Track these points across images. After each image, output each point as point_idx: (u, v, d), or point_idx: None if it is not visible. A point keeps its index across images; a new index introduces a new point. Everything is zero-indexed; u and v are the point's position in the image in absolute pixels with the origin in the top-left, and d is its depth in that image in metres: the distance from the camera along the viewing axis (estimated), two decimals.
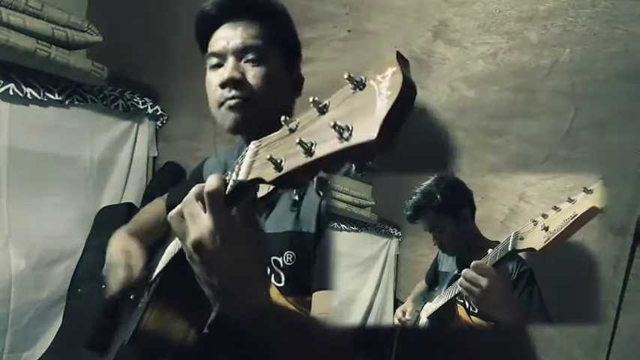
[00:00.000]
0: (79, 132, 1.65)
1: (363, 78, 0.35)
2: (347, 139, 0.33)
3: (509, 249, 0.68)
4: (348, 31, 1.22)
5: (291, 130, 0.40)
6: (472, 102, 0.99)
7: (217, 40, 0.84)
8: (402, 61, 0.34)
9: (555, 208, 0.65)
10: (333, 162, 0.36)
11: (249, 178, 0.43)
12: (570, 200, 0.63)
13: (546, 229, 0.64)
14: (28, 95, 1.46)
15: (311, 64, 1.25)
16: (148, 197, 1.79)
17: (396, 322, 0.91)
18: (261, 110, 0.80)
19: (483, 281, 0.68)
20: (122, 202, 1.78)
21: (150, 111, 1.81)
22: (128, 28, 1.94)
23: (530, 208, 0.77)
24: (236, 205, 0.48)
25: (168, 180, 1.77)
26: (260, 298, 0.53)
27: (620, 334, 0.77)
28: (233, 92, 0.80)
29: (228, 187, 0.47)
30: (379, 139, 0.31)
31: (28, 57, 1.39)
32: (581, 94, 0.84)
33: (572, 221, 0.62)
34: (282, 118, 0.42)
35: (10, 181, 1.47)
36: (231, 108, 0.81)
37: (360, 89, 0.35)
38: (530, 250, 0.66)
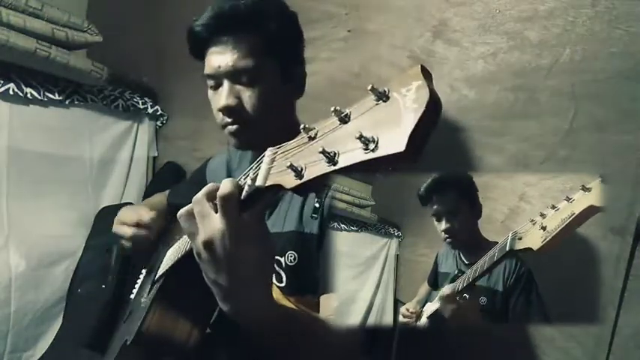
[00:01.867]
0: (79, 132, 1.65)
1: (386, 90, 0.35)
2: (373, 151, 0.33)
3: (507, 249, 0.68)
4: (348, 31, 1.22)
5: (311, 138, 0.41)
6: (472, 102, 0.99)
7: (210, 61, 0.80)
8: (426, 73, 0.34)
9: (553, 207, 0.65)
10: (355, 171, 0.36)
11: (267, 184, 0.44)
12: (568, 199, 0.63)
13: (544, 228, 0.64)
14: (28, 95, 1.46)
15: (311, 64, 1.25)
16: (147, 197, 1.79)
17: (401, 319, 0.91)
18: (262, 130, 0.79)
19: (449, 308, 0.73)
20: (122, 202, 1.77)
21: (150, 111, 1.81)
22: (128, 28, 1.94)
23: (531, 208, 0.77)
24: (250, 210, 0.48)
25: (169, 180, 1.77)
26: (268, 299, 0.53)
27: (620, 334, 0.77)
28: (231, 118, 0.80)
29: (244, 193, 0.47)
30: (407, 152, 0.31)
31: (28, 57, 1.39)
32: (581, 94, 0.84)
33: (570, 220, 0.62)
34: (302, 126, 0.42)
35: (10, 181, 1.47)
36: (231, 134, 0.81)
37: (384, 101, 0.35)
38: (528, 250, 0.66)
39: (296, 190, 0.40)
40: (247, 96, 0.79)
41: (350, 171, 0.36)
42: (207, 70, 0.81)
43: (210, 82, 0.83)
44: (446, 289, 0.76)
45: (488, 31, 0.97)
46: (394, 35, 1.12)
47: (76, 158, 1.65)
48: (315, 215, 0.77)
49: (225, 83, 0.79)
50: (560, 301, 0.73)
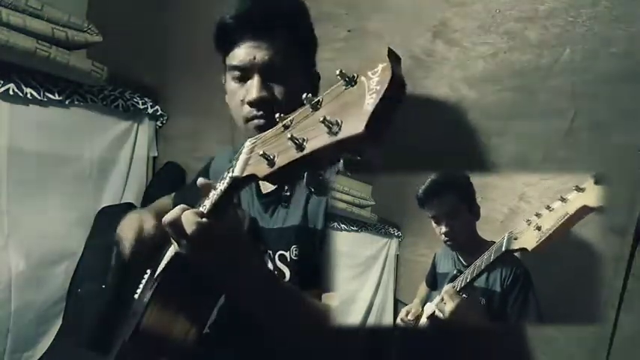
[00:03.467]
0: (79, 132, 1.64)
1: (355, 75, 0.36)
2: (336, 134, 0.34)
3: (503, 249, 0.69)
4: (348, 31, 1.22)
5: (285, 127, 0.41)
6: (472, 102, 0.99)
7: (241, 54, 0.80)
8: (393, 57, 0.34)
9: (548, 208, 0.65)
10: (323, 157, 0.37)
11: (243, 175, 0.44)
12: (563, 199, 0.63)
13: (539, 228, 0.64)
14: (28, 95, 1.46)
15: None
16: (148, 197, 1.79)
17: (399, 322, 0.91)
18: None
19: (448, 308, 0.73)
20: (122, 202, 1.77)
21: (150, 111, 1.81)
22: (128, 28, 1.94)
23: (530, 208, 0.77)
24: (233, 199, 0.52)
25: (169, 180, 1.77)
26: (257, 264, 0.65)
27: (620, 334, 0.77)
28: (261, 112, 0.79)
29: (224, 185, 0.50)
30: (366, 133, 0.32)
31: (28, 57, 1.39)
32: (581, 94, 0.84)
33: (563, 220, 0.62)
34: (277, 115, 0.42)
35: (10, 181, 1.47)
36: (257, 127, 0.80)
37: (352, 85, 0.36)
38: (523, 250, 0.66)
39: (268, 178, 0.41)
40: (278, 91, 0.80)
41: (320, 158, 0.37)
42: (236, 61, 0.80)
43: (236, 74, 0.82)
44: (446, 288, 0.76)
45: (488, 31, 0.96)
46: (394, 35, 1.12)
47: (76, 158, 1.65)
48: (286, 204, 0.83)
49: (257, 77, 0.79)
50: (560, 301, 0.73)
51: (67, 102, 1.57)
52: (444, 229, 0.82)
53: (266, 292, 0.64)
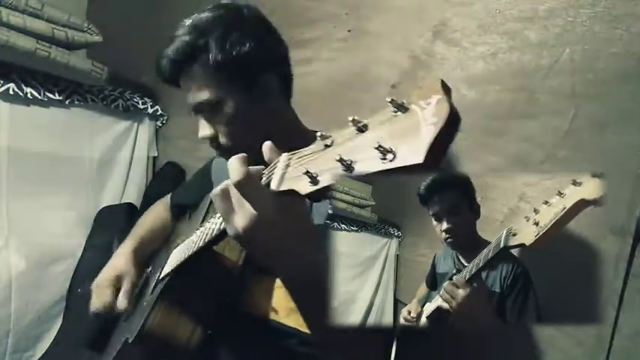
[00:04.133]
0: (79, 132, 1.65)
1: (404, 102, 0.36)
2: (391, 161, 0.34)
3: (501, 246, 0.69)
4: (348, 31, 1.22)
5: (327, 146, 0.41)
6: (472, 102, 0.99)
7: (186, 97, 0.83)
8: (445, 88, 0.35)
9: (546, 203, 0.65)
10: (371, 179, 0.37)
11: (281, 189, 0.44)
12: (560, 194, 0.64)
13: (537, 224, 0.64)
14: (28, 95, 1.46)
15: (311, 64, 1.25)
16: (148, 197, 1.79)
17: (402, 321, 0.91)
18: (247, 145, 0.71)
19: (460, 294, 0.71)
20: (122, 202, 1.78)
21: (150, 111, 1.81)
22: (128, 28, 1.94)
23: (530, 208, 0.77)
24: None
25: (169, 180, 1.77)
26: (317, 254, 0.58)
27: (620, 334, 0.77)
28: (214, 146, 0.83)
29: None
30: (424, 163, 0.32)
31: (28, 57, 1.39)
32: (581, 94, 0.84)
33: (561, 214, 0.62)
34: (318, 133, 0.43)
35: (10, 181, 1.47)
36: (221, 155, 0.84)
37: (403, 112, 0.36)
38: (522, 245, 0.66)
39: (311, 195, 0.41)
40: (219, 125, 0.81)
41: (366, 179, 0.37)
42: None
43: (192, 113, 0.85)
44: (455, 278, 0.75)
45: (488, 31, 0.96)
46: (394, 35, 1.12)
47: (76, 158, 1.65)
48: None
49: (200, 116, 0.82)
50: (560, 301, 0.73)
51: (67, 102, 1.57)
52: (445, 225, 0.82)
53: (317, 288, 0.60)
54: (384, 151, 0.34)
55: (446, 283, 0.72)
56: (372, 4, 1.17)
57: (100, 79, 1.57)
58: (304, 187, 0.41)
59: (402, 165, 0.33)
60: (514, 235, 0.67)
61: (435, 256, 0.90)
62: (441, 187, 0.82)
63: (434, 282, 0.89)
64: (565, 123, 0.86)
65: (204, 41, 0.77)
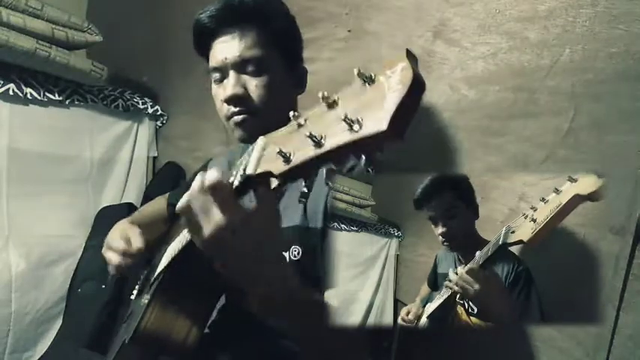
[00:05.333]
0: (79, 132, 1.65)
1: (372, 74, 0.36)
2: (357, 131, 0.34)
3: (500, 243, 0.69)
4: (348, 31, 1.22)
5: (300, 125, 0.41)
6: (472, 102, 0.99)
7: (216, 53, 0.82)
8: (411, 57, 0.35)
9: (543, 200, 0.66)
10: (342, 154, 0.37)
11: (257, 172, 0.44)
12: (556, 191, 0.65)
13: (534, 220, 0.65)
14: (28, 95, 1.46)
15: (311, 64, 1.24)
16: (148, 197, 1.79)
17: (400, 322, 0.91)
18: (268, 120, 0.77)
19: (476, 284, 0.69)
20: (122, 202, 1.78)
21: (150, 111, 1.81)
22: (128, 28, 1.94)
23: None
24: (244, 196, 0.49)
25: (169, 180, 1.77)
26: (284, 272, 0.55)
27: (620, 334, 0.77)
28: (238, 108, 0.80)
29: (236, 181, 0.47)
30: (389, 131, 0.32)
31: (28, 57, 1.39)
32: (581, 94, 0.84)
33: (557, 210, 0.63)
34: (291, 113, 0.43)
35: (10, 181, 1.48)
36: (237, 124, 0.81)
37: (370, 84, 0.36)
38: (520, 242, 0.67)
39: (285, 175, 0.41)
40: (254, 85, 0.80)
41: (339, 155, 0.37)
42: (213, 62, 0.82)
43: (216, 76, 0.83)
44: (468, 266, 0.74)
45: (488, 31, 0.96)
46: (394, 35, 1.12)
47: (76, 158, 1.65)
48: (304, 200, 0.78)
49: (232, 74, 0.80)
50: (560, 301, 0.73)
51: (67, 102, 1.57)
52: (440, 229, 0.83)
53: (289, 300, 0.57)
54: (350, 122, 0.34)
55: (454, 276, 0.72)
56: (372, 4, 1.17)
57: (100, 79, 1.57)
58: (278, 167, 0.41)
59: (368, 133, 0.33)
60: (513, 232, 0.68)
61: (436, 257, 0.90)
62: (434, 191, 0.83)
63: (435, 282, 0.89)
64: (565, 123, 0.86)
65: (271, 8, 0.83)
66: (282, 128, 0.45)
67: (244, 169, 0.46)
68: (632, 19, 0.78)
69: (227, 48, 0.80)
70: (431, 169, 0.85)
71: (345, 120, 0.35)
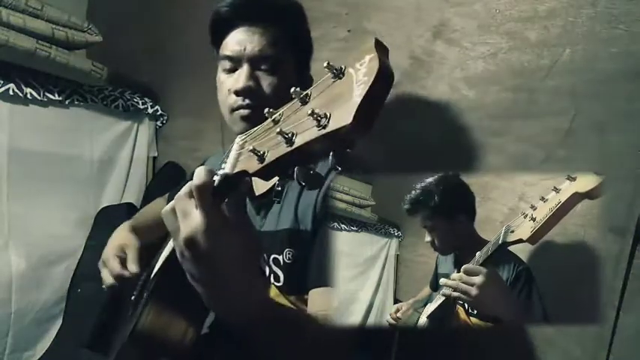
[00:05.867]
0: (79, 132, 1.65)
1: (342, 66, 0.36)
2: (324, 127, 0.34)
3: (500, 242, 0.69)
4: (348, 31, 1.22)
5: (275, 122, 0.41)
6: (472, 102, 0.99)
7: (233, 43, 0.81)
8: (380, 47, 0.34)
9: (542, 199, 0.66)
10: (313, 150, 0.36)
11: (234, 171, 0.44)
12: (555, 189, 0.65)
13: (534, 219, 0.66)
14: (28, 95, 1.46)
15: (311, 64, 1.25)
16: (148, 197, 1.79)
17: (388, 319, 0.91)
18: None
19: (477, 280, 0.69)
20: (122, 202, 1.77)
21: (150, 111, 1.81)
22: (128, 28, 1.94)
23: None
24: (225, 198, 0.47)
25: (169, 180, 1.77)
26: (253, 296, 0.51)
27: (620, 334, 0.77)
28: (247, 101, 0.79)
29: (216, 181, 0.46)
30: (355, 124, 0.31)
31: (28, 57, 1.39)
32: (581, 94, 0.84)
33: (556, 209, 0.63)
34: (266, 110, 0.42)
35: (10, 181, 1.47)
36: (242, 118, 0.81)
37: (340, 78, 0.36)
38: (520, 241, 0.67)
39: (259, 174, 0.40)
40: (266, 84, 0.80)
41: (310, 151, 0.36)
42: (228, 51, 0.81)
43: (227, 65, 0.82)
44: (465, 266, 0.73)
45: (488, 31, 0.96)
46: (394, 35, 1.12)
47: (76, 158, 1.65)
48: (278, 199, 0.77)
49: (246, 66, 0.80)
50: (560, 301, 0.73)
51: (67, 102, 1.57)
52: (428, 237, 0.84)
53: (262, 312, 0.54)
54: (318, 118, 0.34)
55: (455, 275, 0.71)
56: (372, 4, 1.17)
57: (100, 79, 1.57)
58: (253, 166, 0.40)
59: (335, 128, 0.33)
60: (512, 231, 0.68)
61: (437, 257, 0.90)
62: (416, 206, 0.83)
63: (436, 282, 0.89)
64: (565, 123, 0.86)
65: (294, 11, 0.84)
66: (259, 125, 0.44)
67: (223, 169, 0.46)
68: (632, 19, 0.78)
69: (247, 40, 0.80)
70: (431, 170, 0.85)
71: (312, 115, 0.34)
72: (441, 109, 1.03)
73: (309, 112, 0.34)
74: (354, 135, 0.33)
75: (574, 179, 0.64)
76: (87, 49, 1.66)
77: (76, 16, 1.53)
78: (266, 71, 0.80)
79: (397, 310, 0.89)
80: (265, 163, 0.39)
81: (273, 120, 0.41)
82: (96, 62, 1.55)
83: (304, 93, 0.38)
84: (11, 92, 1.42)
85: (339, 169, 0.36)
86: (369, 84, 0.32)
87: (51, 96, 1.52)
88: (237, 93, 0.79)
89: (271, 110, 0.42)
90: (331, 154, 0.35)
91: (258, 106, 0.80)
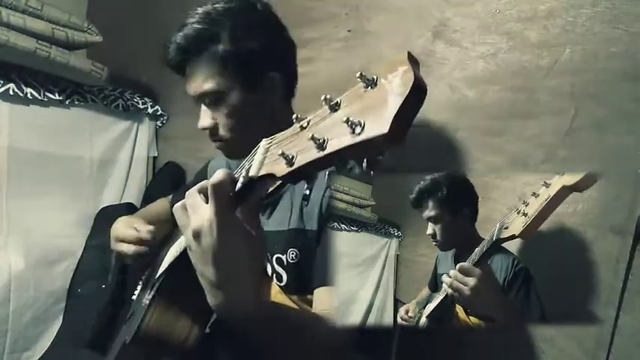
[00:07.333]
0: (79, 132, 1.65)
1: (374, 77, 0.36)
2: (359, 134, 0.34)
3: (494, 239, 0.69)
4: (348, 31, 1.22)
5: (302, 128, 0.42)
6: (472, 102, 0.99)
7: (188, 87, 0.84)
8: (412, 60, 0.35)
9: (534, 194, 0.67)
10: (344, 157, 0.37)
11: (260, 174, 0.44)
12: (545, 184, 0.66)
13: (525, 214, 0.67)
14: (28, 95, 1.46)
15: (311, 64, 1.25)
16: (148, 197, 1.79)
17: (399, 320, 0.91)
18: (245, 142, 0.69)
19: (471, 280, 0.70)
20: (122, 202, 1.78)
21: (150, 111, 1.81)
22: (128, 28, 1.94)
23: None
24: (243, 201, 0.49)
25: (169, 180, 1.77)
26: (256, 295, 0.52)
27: (620, 334, 0.77)
28: (214, 137, 0.85)
29: (238, 184, 0.48)
30: (390, 134, 0.32)
31: (28, 57, 1.39)
32: (581, 94, 0.84)
33: (546, 203, 0.64)
34: (294, 116, 0.43)
35: (10, 181, 1.48)
36: (219, 148, 0.86)
37: (372, 87, 0.36)
38: (512, 237, 0.67)
39: (287, 177, 0.41)
40: (220, 116, 0.82)
41: (341, 158, 0.37)
42: (187, 91, 0.85)
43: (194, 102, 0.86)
44: (460, 265, 0.74)
45: (488, 31, 0.96)
46: (394, 35, 1.12)
47: (76, 158, 1.65)
48: (306, 203, 0.78)
49: (202, 106, 0.83)
50: (560, 301, 0.73)
51: (67, 102, 1.57)
52: (430, 230, 0.84)
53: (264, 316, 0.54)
54: (352, 125, 0.35)
55: (452, 272, 0.72)
56: (372, 4, 1.17)
57: (100, 79, 1.57)
58: (281, 170, 0.41)
59: (370, 136, 0.33)
60: (506, 228, 0.69)
61: (437, 257, 0.90)
62: (429, 193, 0.84)
63: (436, 283, 0.89)
64: (565, 123, 0.86)
65: (215, 31, 0.79)
66: (285, 131, 0.45)
67: (247, 171, 0.46)
68: (632, 19, 0.78)
69: (190, 83, 0.83)
70: (431, 170, 0.85)
71: (347, 122, 0.35)
72: (441, 109, 1.03)
73: (344, 119, 0.35)
74: (388, 144, 0.33)
75: (563, 174, 0.65)
76: (87, 49, 1.66)
77: (76, 16, 1.53)
78: (211, 106, 0.82)
79: (407, 311, 0.89)
80: (295, 166, 0.40)
81: (301, 126, 0.42)
82: (96, 62, 1.55)
83: (334, 100, 0.39)
84: (11, 92, 1.42)
85: (372, 172, 0.37)
86: (405, 95, 0.33)
87: (51, 96, 1.52)
88: (204, 130, 0.84)
89: (298, 116, 0.42)
90: (365, 160, 0.36)
91: (222, 138, 0.84)
